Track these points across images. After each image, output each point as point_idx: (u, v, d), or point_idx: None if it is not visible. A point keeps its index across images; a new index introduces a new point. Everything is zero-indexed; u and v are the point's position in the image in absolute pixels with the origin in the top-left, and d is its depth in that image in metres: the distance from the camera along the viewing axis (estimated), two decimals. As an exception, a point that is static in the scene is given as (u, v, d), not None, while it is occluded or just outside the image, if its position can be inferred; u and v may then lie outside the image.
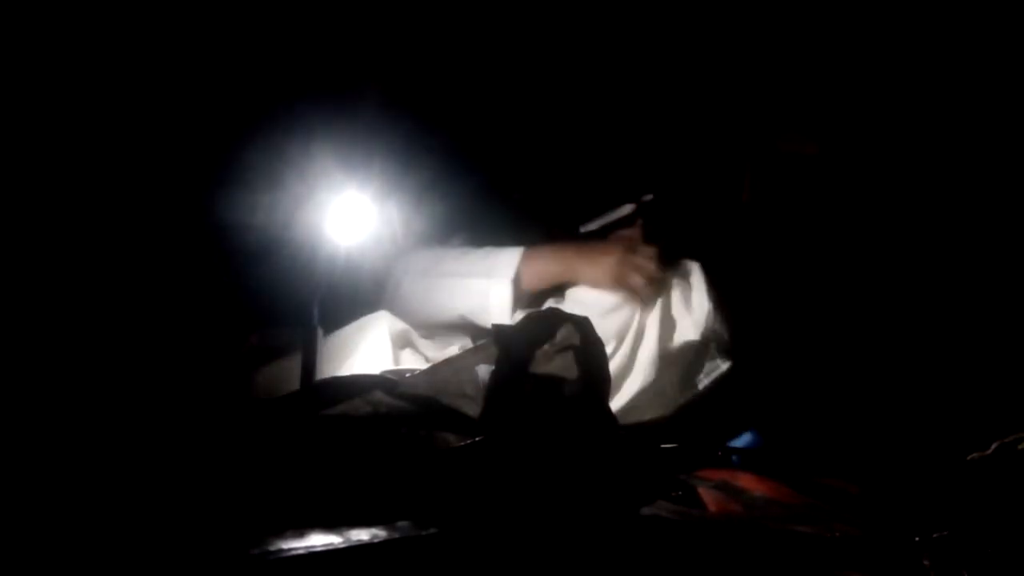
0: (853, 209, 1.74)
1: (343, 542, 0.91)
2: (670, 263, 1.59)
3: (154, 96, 1.59)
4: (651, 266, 1.55)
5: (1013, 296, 1.65)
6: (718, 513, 1.14)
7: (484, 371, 1.20)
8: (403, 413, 1.18)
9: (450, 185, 1.66)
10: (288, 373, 1.37)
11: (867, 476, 1.26)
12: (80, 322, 1.40)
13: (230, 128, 1.61)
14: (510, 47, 1.81)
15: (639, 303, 1.55)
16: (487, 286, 1.59)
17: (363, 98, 1.72)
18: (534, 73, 1.82)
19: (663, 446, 1.35)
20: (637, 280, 1.54)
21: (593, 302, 1.55)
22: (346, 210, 1.35)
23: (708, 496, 1.17)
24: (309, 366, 1.29)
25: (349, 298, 1.53)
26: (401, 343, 1.54)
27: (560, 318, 1.24)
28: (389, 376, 1.30)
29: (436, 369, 1.27)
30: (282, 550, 0.87)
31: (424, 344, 1.57)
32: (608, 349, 1.38)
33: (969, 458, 1.22)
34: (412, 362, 1.51)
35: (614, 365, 1.48)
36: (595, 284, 1.57)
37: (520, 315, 1.55)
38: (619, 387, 1.51)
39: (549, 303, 1.59)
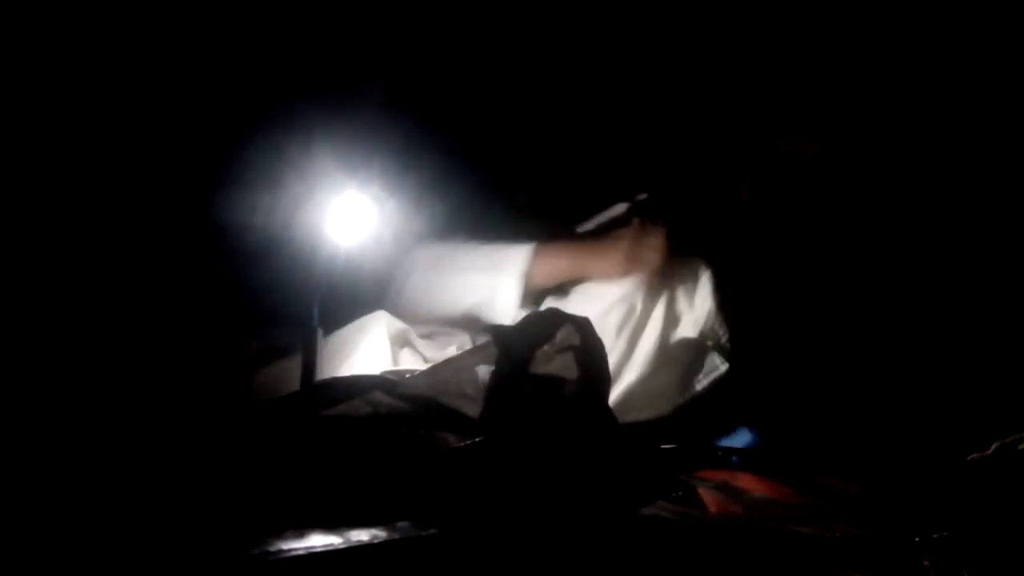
0: (853, 209, 1.74)
1: (343, 542, 0.91)
2: (679, 251, 1.59)
3: (154, 96, 1.59)
4: (662, 243, 1.55)
5: (1013, 296, 1.65)
6: (718, 513, 1.14)
7: (484, 371, 1.20)
8: (403, 413, 1.18)
9: (450, 185, 1.66)
10: (288, 373, 1.37)
11: (867, 476, 1.26)
12: (80, 322, 1.40)
13: (231, 128, 1.61)
14: (510, 48, 1.81)
15: (653, 284, 1.55)
16: (496, 281, 1.58)
17: (363, 98, 1.72)
18: (534, 73, 1.82)
19: (663, 446, 1.35)
20: (651, 256, 1.54)
21: (596, 296, 1.55)
22: (346, 210, 1.35)
23: (708, 496, 1.17)
24: (309, 366, 1.29)
25: (349, 298, 1.52)
26: (400, 343, 1.54)
27: (560, 318, 1.24)
28: (389, 376, 1.30)
29: (436, 369, 1.27)
30: (282, 550, 0.88)
31: (423, 344, 1.57)
32: (608, 343, 1.38)
33: (969, 458, 1.22)
34: (411, 362, 1.51)
35: (613, 358, 1.48)
36: (607, 275, 1.57)
37: (524, 312, 1.55)
38: (617, 379, 1.51)
39: (549, 301, 1.59)
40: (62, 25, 1.52)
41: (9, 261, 1.41)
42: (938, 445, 1.32)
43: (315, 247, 1.33)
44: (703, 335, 1.57)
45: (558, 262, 1.61)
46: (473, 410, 1.18)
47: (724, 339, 1.58)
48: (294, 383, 1.31)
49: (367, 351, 1.49)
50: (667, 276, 1.57)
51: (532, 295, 1.61)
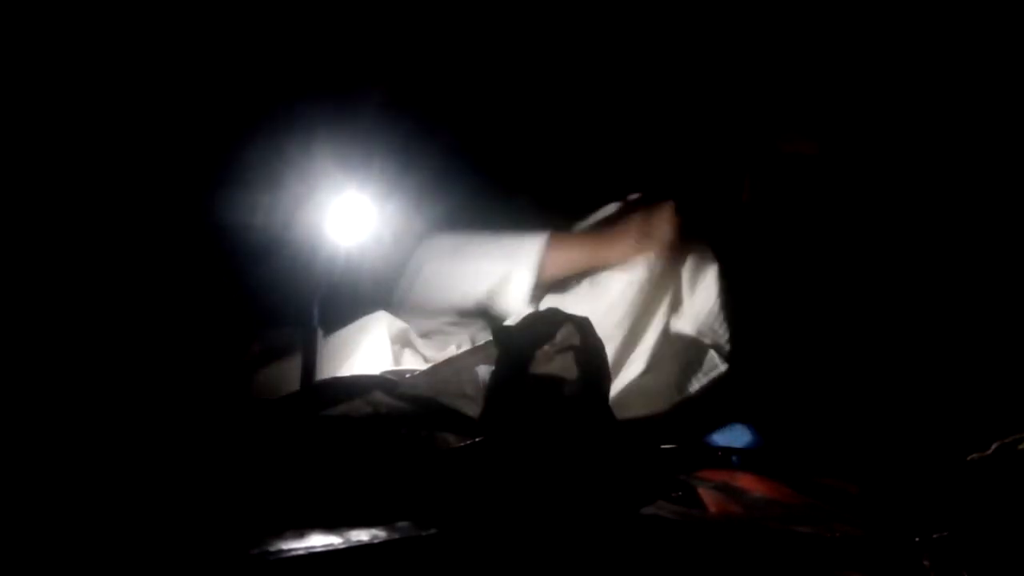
0: (853, 209, 1.74)
1: (343, 542, 0.91)
2: (688, 228, 1.59)
3: (154, 96, 1.59)
4: (672, 215, 1.56)
5: (1013, 296, 1.65)
6: (718, 513, 1.14)
7: (484, 371, 1.21)
8: (403, 413, 1.18)
9: (450, 185, 1.66)
10: (288, 374, 1.37)
11: (867, 476, 1.26)
12: (80, 322, 1.40)
13: (231, 128, 1.61)
14: (510, 48, 1.81)
15: (663, 265, 1.55)
16: (509, 271, 1.58)
17: (363, 98, 1.72)
18: (534, 73, 1.82)
19: (663, 446, 1.35)
20: (663, 229, 1.54)
21: (603, 285, 1.55)
22: (346, 210, 1.35)
23: (708, 496, 1.17)
24: (309, 366, 1.29)
25: (349, 298, 1.53)
26: (401, 343, 1.54)
27: (560, 318, 1.24)
28: (389, 376, 1.30)
29: (436, 369, 1.27)
30: (282, 550, 0.88)
31: (423, 344, 1.57)
32: (610, 332, 1.38)
33: (969, 458, 1.22)
34: (412, 362, 1.51)
35: (615, 348, 1.48)
36: (619, 261, 1.57)
37: (535, 302, 1.55)
38: (617, 373, 1.51)
39: (558, 290, 1.59)
40: (62, 25, 1.52)
41: (10, 262, 1.41)
42: (938, 445, 1.32)
43: (315, 247, 1.33)
44: (701, 333, 1.57)
45: (571, 251, 1.60)
46: (473, 410, 1.18)
47: (724, 339, 1.59)
48: (294, 383, 1.31)
49: (367, 351, 1.49)
50: (677, 257, 1.57)
51: (544, 285, 1.60)
